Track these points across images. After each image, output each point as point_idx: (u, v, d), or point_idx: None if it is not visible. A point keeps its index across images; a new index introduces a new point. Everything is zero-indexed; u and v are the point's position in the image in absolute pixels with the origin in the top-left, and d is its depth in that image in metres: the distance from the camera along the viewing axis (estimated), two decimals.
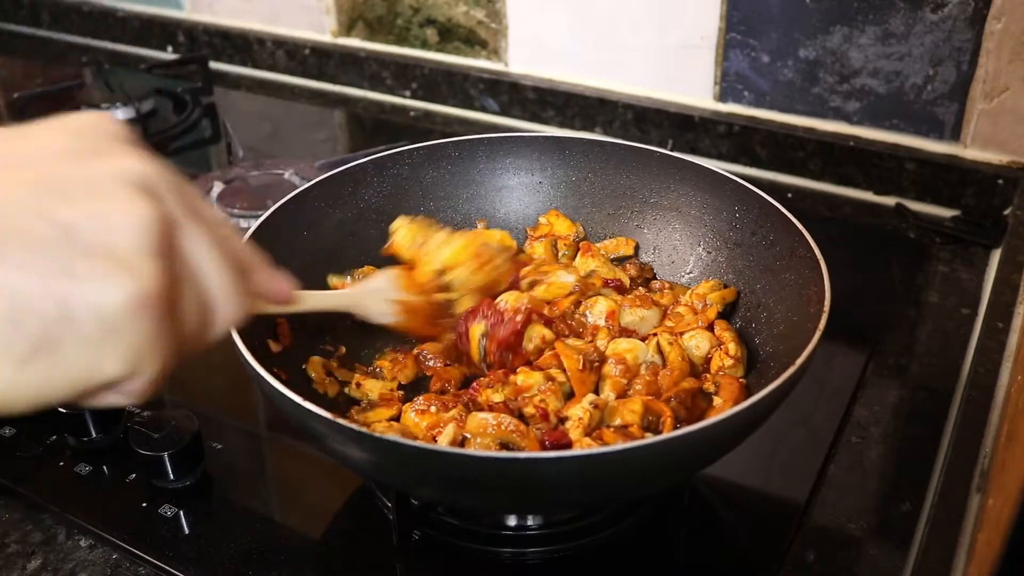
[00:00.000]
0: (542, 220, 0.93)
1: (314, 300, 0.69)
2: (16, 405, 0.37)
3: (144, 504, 0.74)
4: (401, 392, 0.78)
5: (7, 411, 0.37)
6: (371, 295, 0.73)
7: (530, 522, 0.71)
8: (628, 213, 0.92)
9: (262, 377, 0.60)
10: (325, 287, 0.84)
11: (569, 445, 0.66)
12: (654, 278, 0.89)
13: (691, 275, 0.88)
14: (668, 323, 0.81)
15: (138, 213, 0.38)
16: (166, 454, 0.73)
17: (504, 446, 0.66)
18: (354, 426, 0.56)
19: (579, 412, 0.68)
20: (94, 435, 0.79)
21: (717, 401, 0.72)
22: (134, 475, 0.77)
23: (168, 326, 0.39)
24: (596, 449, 0.57)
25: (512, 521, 0.71)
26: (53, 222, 0.36)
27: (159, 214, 0.39)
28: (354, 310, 0.72)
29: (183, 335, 0.41)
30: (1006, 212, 1.10)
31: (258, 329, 0.71)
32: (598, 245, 0.91)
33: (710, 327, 0.80)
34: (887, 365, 0.90)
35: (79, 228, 0.36)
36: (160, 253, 0.38)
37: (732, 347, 0.77)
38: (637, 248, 0.91)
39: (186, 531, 0.72)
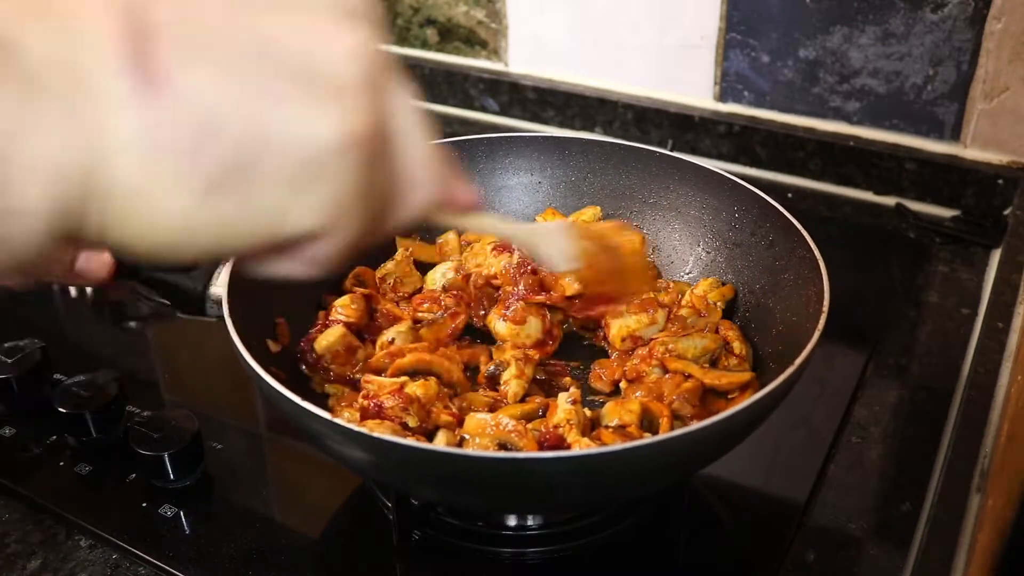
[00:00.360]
0: (539, 220, 0.93)
1: (491, 222, 0.60)
2: (190, 246, 0.30)
3: (144, 504, 0.74)
4: None
5: (180, 252, 0.31)
6: (552, 235, 0.62)
7: (530, 522, 0.71)
8: (628, 213, 0.92)
9: (261, 377, 0.60)
10: (324, 289, 0.83)
11: (567, 446, 0.66)
12: (659, 277, 0.89)
13: (690, 275, 0.88)
14: (671, 327, 0.81)
15: (358, 40, 0.32)
16: (166, 454, 0.73)
17: (503, 446, 0.66)
18: (353, 426, 0.56)
19: (565, 408, 0.69)
20: (94, 435, 0.79)
21: (734, 394, 0.73)
22: (134, 475, 0.77)
23: (376, 180, 0.32)
24: (595, 449, 0.57)
25: (512, 521, 0.71)
26: (255, 32, 0.30)
27: (377, 48, 0.32)
28: (531, 247, 0.62)
29: (375, 207, 0.34)
30: (1006, 212, 1.10)
31: (257, 329, 0.71)
32: None
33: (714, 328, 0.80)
34: (887, 365, 0.89)
35: (286, 45, 0.30)
36: (378, 90, 0.32)
37: (737, 346, 0.77)
38: (643, 242, 0.91)
39: (186, 531, 0.72)
